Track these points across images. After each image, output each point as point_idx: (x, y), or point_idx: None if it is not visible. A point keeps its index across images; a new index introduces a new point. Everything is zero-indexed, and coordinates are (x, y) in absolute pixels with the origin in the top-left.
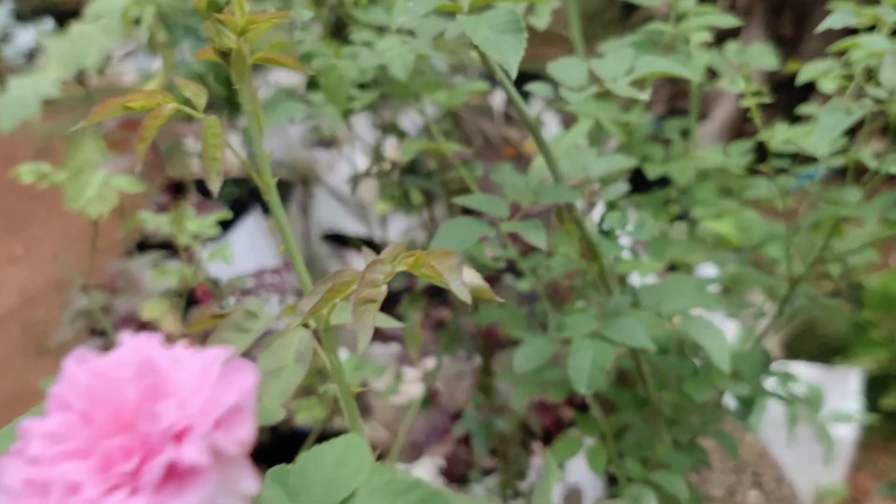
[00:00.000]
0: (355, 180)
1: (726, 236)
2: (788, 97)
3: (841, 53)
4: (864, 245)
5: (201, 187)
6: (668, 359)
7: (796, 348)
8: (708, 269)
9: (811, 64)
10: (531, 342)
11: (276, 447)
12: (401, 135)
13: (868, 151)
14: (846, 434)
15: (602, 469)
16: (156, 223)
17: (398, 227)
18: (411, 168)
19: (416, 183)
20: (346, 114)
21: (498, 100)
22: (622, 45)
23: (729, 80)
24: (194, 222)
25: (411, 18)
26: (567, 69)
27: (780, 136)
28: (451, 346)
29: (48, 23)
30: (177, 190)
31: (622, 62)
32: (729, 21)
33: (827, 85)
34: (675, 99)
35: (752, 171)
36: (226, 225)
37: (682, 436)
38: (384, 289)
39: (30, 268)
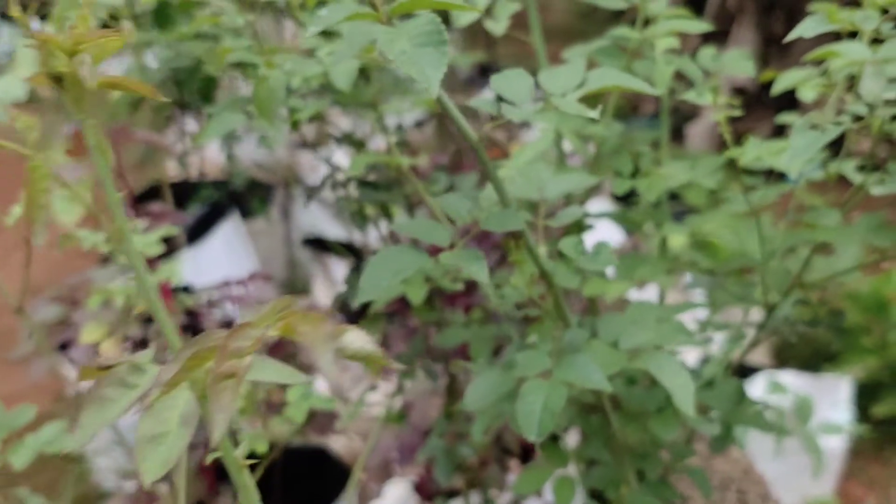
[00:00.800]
0: (310, 193)
1: (715, 243)
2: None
3: (820, 61)
4: (846, 271)
5: (178, 191)
6: (634, 392)
7: (786, 354)
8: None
9: (788, 72)
10: (484, 377)
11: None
12: (358, 145)
13: (851, 165)
14: (836, 445)
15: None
16: (92, 242)
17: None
18: (369, 180)
19: (374, 196)
20: (296, 124)
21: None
22: (588, 51)
23: (696, 92)
24: (140, 238)
25: (322, 28)
26: (511, 82)
27: (750, 153)
28: (413, 370)
29: (34, 22)
30: (152, 195)
31: (572, 75)
32: (698, 27)
33: (807, 94)
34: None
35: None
36: (203, 229)
37: (652, 471)
38: (249, 360)
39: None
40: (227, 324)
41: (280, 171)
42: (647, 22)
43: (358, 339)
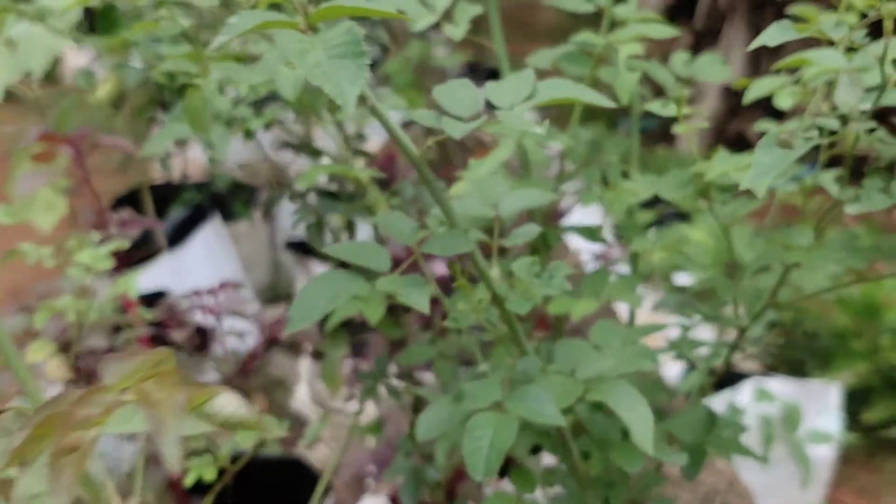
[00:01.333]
0: (268, 205)
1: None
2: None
3: (795, 69)
4: (820, 291)
5: (160, 193)
6: (597, 418)
7: (775, 357)
8: (682, 278)
9: (762, 80)
10: (434, 408)
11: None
12: (315, 153)
13: (829, 177)
14: (825, 453)
15: None
16: (36, 256)
17: (365, 235)
18: (331, 192)
19: (333, 208)
20: (250, 134)
21: None
22: (553, 56)
23: (660, 104)
24: (87, 253)
25: (229, 37)
26: (454, 94)
27: (717, 168)
28: (374, 388)
29: None
30: (131, 200)
31: (521, 87)
32: (664, 32)
33: (784, 101)
34: (658, 97)
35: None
36: (184, 233)
37: (618, 501)
38: (95, 432)
39: None
40: (201, 332)
41: (264, 172)
42: (615, 25)
43: (231, 402)
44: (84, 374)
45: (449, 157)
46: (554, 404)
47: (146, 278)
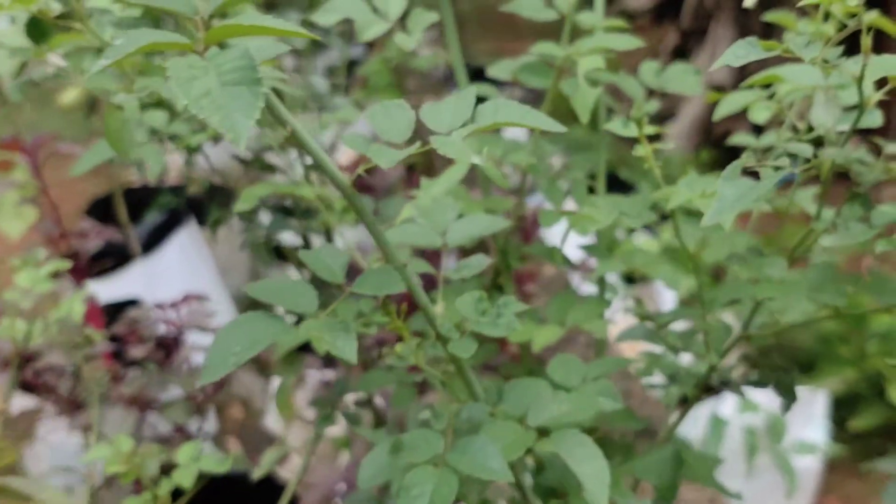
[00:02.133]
0: (214, 225)
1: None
2: None
3: (768, 84)
4: (797, 325)
5: (136, 197)
6: (556, 461)
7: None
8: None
9: (734, 94)
10: (374, 456)
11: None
12: (268, 168)
13: (808, 196)
14: (811, 462)
15: None
16: None
17: (350, 239)
18: (284, 208)
19: (285, 225)
20: (194, 150)
21: None
22: (513, 67)
23: (620, 123)
24: (27, 275)
25: (111, 61)
26: (389, 116)
27: (680, 196)
28: (331, 415)
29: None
30: (107, 204)
31: (460, 110)
32: (630, 43)
33: (759, 115)
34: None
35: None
36: (159, 238)
37: None
38: None
39: None
40: (164, 347)
41: (242, 176)
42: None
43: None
44: (42, 389)
45: (433, 165)
46: (500, 457)
47: (118, 286)
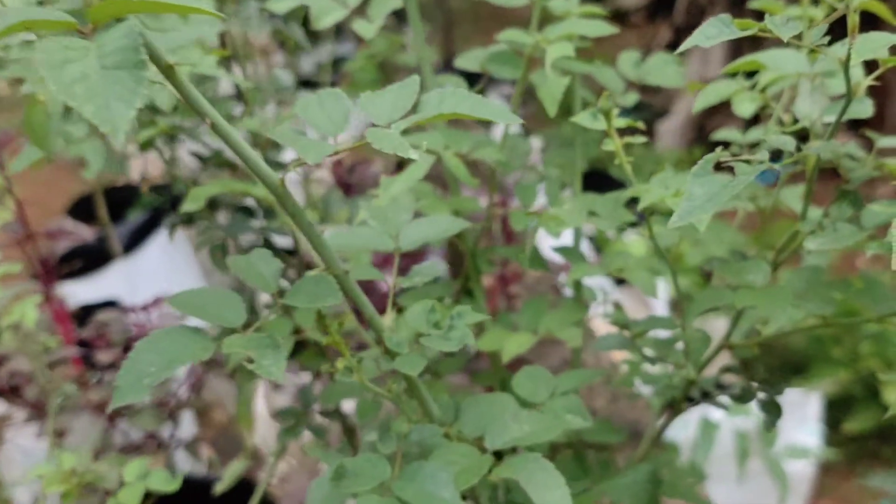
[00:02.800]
0: (172, 227)
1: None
2: None
3: (752, 73)
4: (782, 334)
5: (119, 196)
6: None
7: (753, 363)
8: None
9: (714, 84)
10: (318, 484)
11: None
12: (226, 166)
13: (795, 194)
14: (803, 467)
15: None
16: None
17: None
18: (245, 208)
19: (245, 227)
20: (147, 145)
21: None
22: (482, 57)
23: (589, 115)
24: None
25: None
26: (324, 107)
27: (653, 195)
28: (296, 428)
29: None
30: (88, 203)
31: (402, 99)
32: (602, 29)
33: (743, 108)
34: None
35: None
36: (140, 237)
37: None
38: None
39: None
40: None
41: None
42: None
43: None
44: (10, 394)
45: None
46: (452, 486)
47: (97, 287)
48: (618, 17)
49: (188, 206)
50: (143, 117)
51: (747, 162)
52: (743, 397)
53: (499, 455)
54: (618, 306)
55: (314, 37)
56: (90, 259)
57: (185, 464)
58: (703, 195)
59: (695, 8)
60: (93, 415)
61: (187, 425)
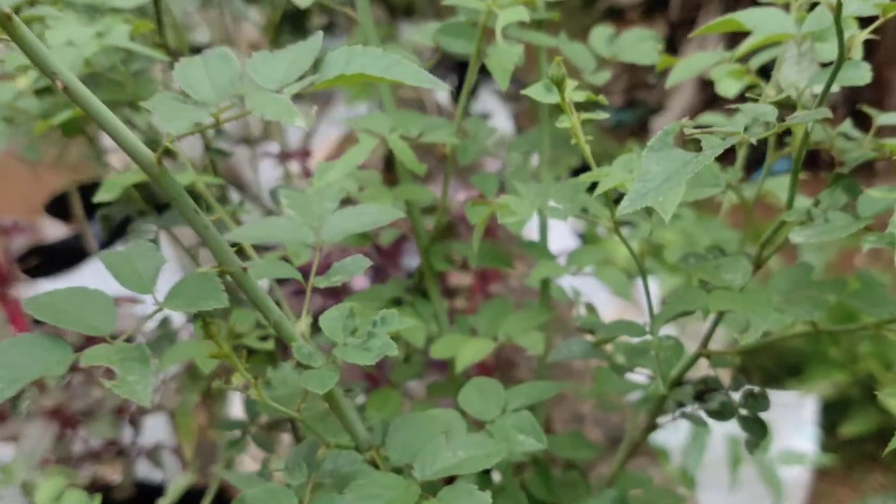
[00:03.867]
0: (103, 219)
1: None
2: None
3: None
4: (767, 342)
5: (86, 196)
6: None
7: (748, 365)
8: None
9: (691, 57)
10: None
11: None
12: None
13: (784, 183)
14: (799, 473)
15: None
16: None
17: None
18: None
19: (174, 223)
20: (71, 130)
21: (441, 95)
22: (432, 30)
23: (542, 86)
24: None
25: None
26: (200, 71)
27: (614, 178)
28: (242, 442)
29: None
30: (64, 201)
31: (299, 61)
32: None
33: (727, 86)
34: (634, 89)
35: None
36: (119, 233)
37: None
38: None
39: None
40: None
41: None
42: None
43: None
44: None
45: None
46: None
47: (70, 285)
48: (614, 13)
49: (101, 196)
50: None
51: (721, 138)
52: (722, 413)
53: (433, 486)
54: (590, 308)
55: (304, 31)
56: (65, 257)
57: (149, 471)
58: (661, 173)
59: (691, 3)
60: (45, 421)
61: (161, 430)
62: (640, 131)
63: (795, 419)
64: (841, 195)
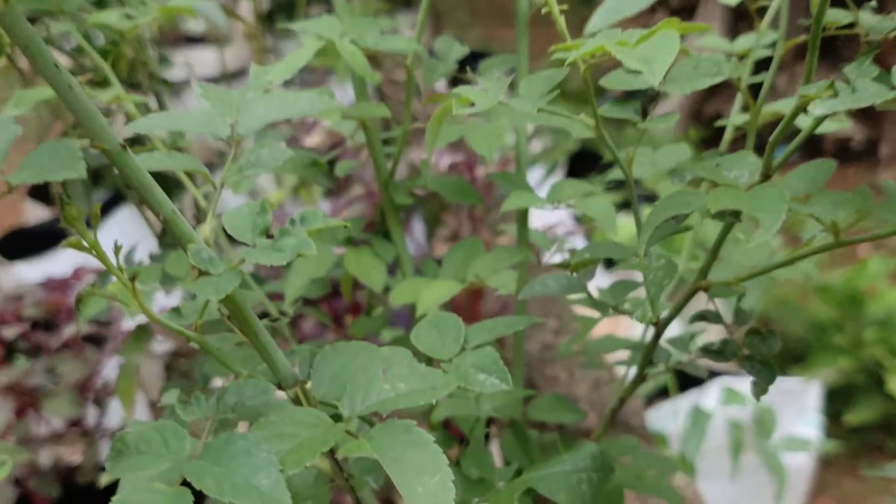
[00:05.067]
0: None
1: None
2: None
3: None
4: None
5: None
6: None
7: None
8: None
9: None
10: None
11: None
12: None
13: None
14: (802, 461)
15: None
16: None
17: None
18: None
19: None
20: None
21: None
22: None
23: None
24: None
25: None
26: None
27: (593, 43)
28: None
29: None
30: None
31: None
32: None
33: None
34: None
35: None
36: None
37: None
38: None
39: None
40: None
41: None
42: None
43: None
44: None
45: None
46: (274, 469)
47: (48, 267)
48: None
49: (9, 111)
50: None
51: None
52: (723, 353)
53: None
54: (572, 251)
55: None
56: (44, 239)
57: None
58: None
59: None
60: (1, 398)
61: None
62: (642, 118)
63: (798, 406)
64: (871, 67)
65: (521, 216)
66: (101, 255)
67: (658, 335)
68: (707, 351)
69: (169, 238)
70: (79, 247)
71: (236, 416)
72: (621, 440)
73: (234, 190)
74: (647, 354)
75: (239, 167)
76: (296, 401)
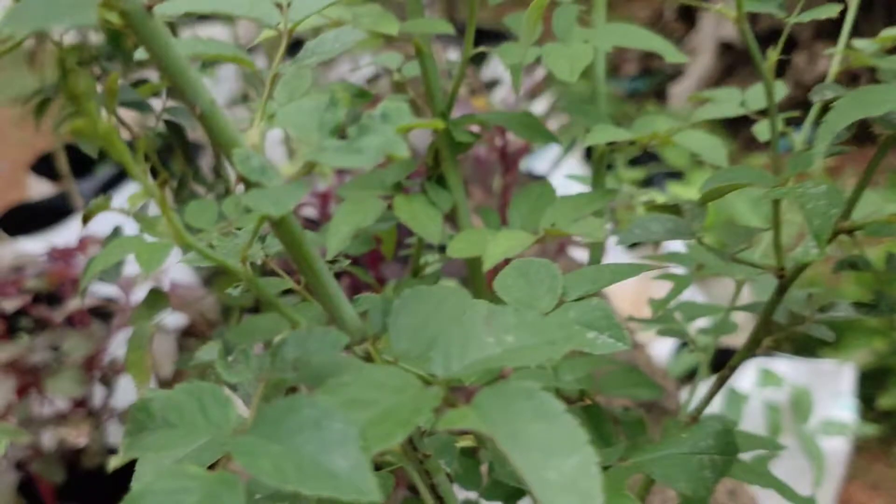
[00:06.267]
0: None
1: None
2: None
3: None
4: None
5: (73, 155)
6: None
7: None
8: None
9: None
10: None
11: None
12: None
13: None
14: (838, 444)
15: None
16: None
17: None
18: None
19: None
20: None
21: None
22: None
23: None
24: None
25: None
26: None
27: None
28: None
29: None
30: (48, 160)
31: None
32: None
33: None
34: (649, 57)
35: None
36: (107, 192)
37: None
38: None
39: None
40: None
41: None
42: None
43: None
44: None
45: None
46: (356, 447)
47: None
48: None
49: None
50: None
51: None
52: (876, 307)
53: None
54: (651, 199)
55: None
56: (48, 215)
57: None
58: None
59: None
60: (2, 376)
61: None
62: (657, 97)
63: (832, 388)
64: None
65: (599, 156)
66: (114, 144)
67: (784, 288)
68: (859, 306)
69: (185, 193)
70: (90, 132)
71: (297, 378)
72: (719, 416)
73: (286, 70)
74: (768, 311)
75: (296, 59)
76: (366, 359)
